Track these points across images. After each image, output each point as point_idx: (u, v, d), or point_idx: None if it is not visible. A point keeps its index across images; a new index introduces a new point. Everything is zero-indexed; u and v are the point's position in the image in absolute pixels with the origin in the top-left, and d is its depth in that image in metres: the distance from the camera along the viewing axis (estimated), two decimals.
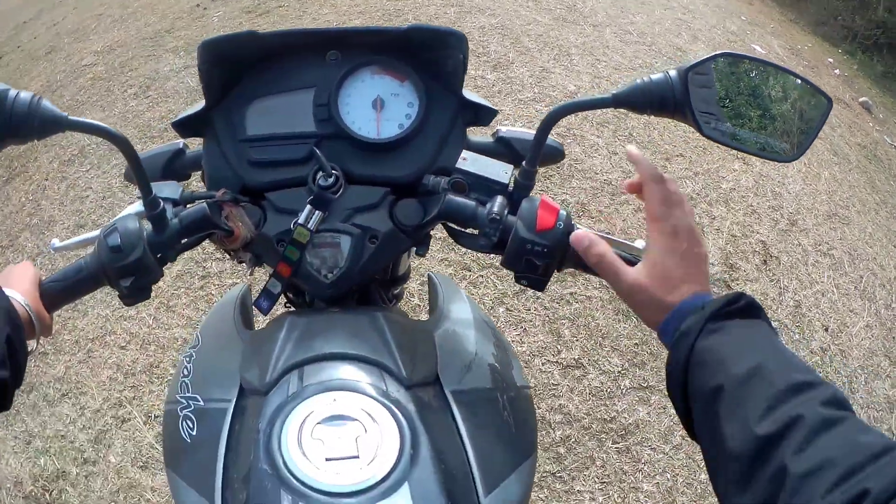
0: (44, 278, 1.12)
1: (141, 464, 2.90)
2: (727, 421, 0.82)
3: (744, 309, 0.93)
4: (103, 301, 3.61)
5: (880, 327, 4.13)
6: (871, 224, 5.03)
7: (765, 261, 4.13)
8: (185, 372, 1.18)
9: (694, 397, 0.90)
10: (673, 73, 1.07)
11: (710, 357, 0.88)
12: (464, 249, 3.58)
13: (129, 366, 3.29)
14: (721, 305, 0.93)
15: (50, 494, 2.84)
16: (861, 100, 7.48)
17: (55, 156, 4.87)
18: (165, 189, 1.19)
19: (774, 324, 3.74)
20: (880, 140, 6.71)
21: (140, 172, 1.08)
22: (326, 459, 0.88)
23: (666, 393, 0.97)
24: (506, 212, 1.12)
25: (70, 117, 1.00)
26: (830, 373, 3.66)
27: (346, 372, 1.00)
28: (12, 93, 0.97)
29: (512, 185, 1.19)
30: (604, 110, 4.73)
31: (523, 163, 1.18)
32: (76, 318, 3.58)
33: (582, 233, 1.06)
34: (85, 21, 7.49)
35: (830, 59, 8.50)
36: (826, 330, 3.90)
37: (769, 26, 8.38)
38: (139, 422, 3.04)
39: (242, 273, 3.59)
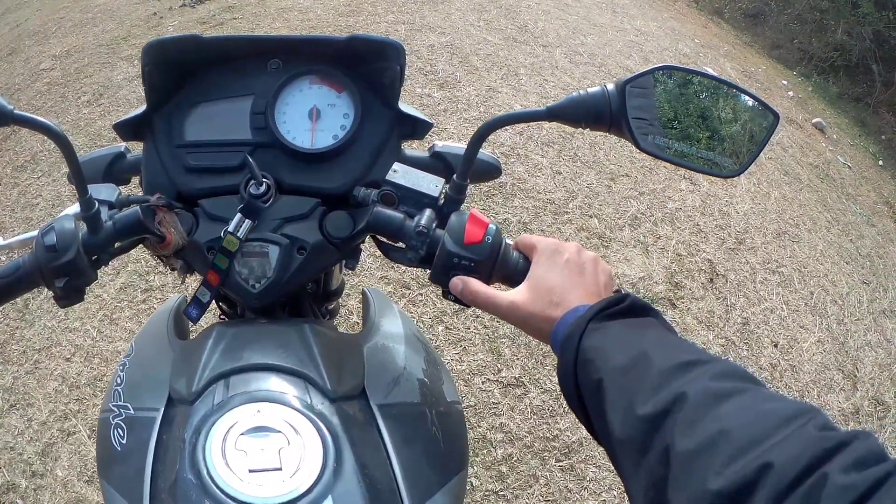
0: None
1: (87, 478, 2.86)
2: (612, 409, 0.81)
3: (629, 309, 0.94)
4: (49, 312, 3.57)
5: (832, 342, 4.17)
6: (822, 242, 5.09)
7: (711, 279, 4.16)
8: (119, 380, 1.17)
9: (585, 397, 0.89)
10: (610, 86, 1.08)
11: (593, 354, 0.87)
12: (403, 267, 3.56)
13: (74, 378, 3.25)
14: (603, 307, 0.93)
15: None
16: (814, 121, 7.58)
17: (8, 161, 4.82)
18: (103, 191, 1.18)
19: (721, 341, 3.79)
20: (833, 160, 6.80)
21: (77, 172, 1.07)
22: (250, 471, 0.88)
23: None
24: (434, 225, 1.12)
25: (16, 111, 1.00)
26: (781, 388, 3.69)
27: (272, 383, 1.00)
28: None
29: (443, 199, 1.19)
30: (549, 130, 4.78)
31: (454, 176, 1.18)
32: (23, 327, 3.54)
33: (455, 281, 1.07)
34: (46, 24, 7.43)
35: (784, 82, 8.61)
36: (775, 346, 3.93)
37: (723, 49, 8.47)
38: (84, 435, 3.01)
39: (185, 288, 3.57)
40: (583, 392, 0.89)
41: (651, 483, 0.71)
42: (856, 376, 4.02)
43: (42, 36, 7.07)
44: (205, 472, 0.87)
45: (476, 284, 1.06)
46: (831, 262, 4.93)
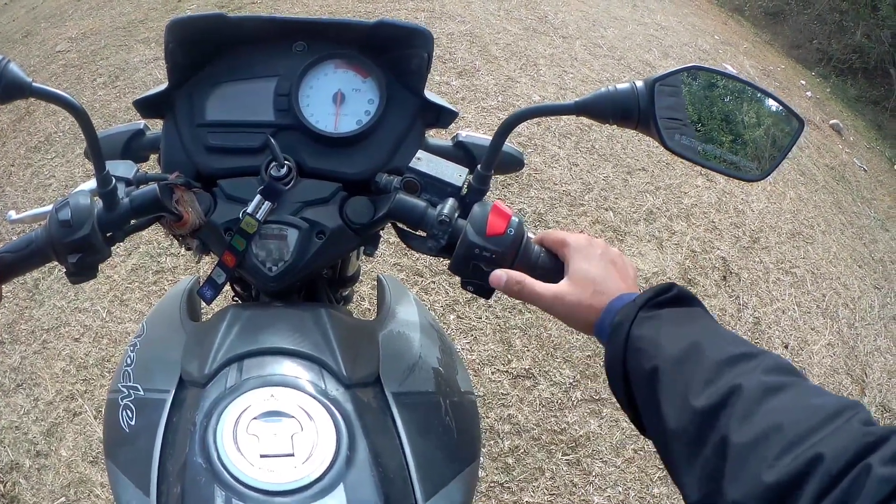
0: None
1: (91, 459, 2.86)
2: (666, 400, 0.82)
3: (676, 298, 0.95)
4: (59, 292, 3.57)
5: (842, 346, 4.16)
6: (836, 244, 5.07)
7: (724, 277, 4.14)
8: (128, 361, 1.16)
9: (634, 385, 0.90)
10: (640, 83, 1.07)
11: (644, 344, 0.89)
12: (417, 255, 3.55)
13: (82, 358, 3.25)
14: (652, 295, 0.94)
15: (4, 486, 2.81)
16: (832, 122, 7.55)
17: (22, 142, 4.81)
18: (120, 167, 1.17)
19: None
20: (849, 162, 6.77)
21: (95, 147, 1.06)
22: (261, 456, 0.87)
23: (616, 403, 0.98)
24: (456, 215, 1.11)
25: (34, 84, 0.99)
26: None
27: (286, 367, 0.99)
28: None
29: (466, 189, 1.17)
30: (567, 121, 4.76)
31: (478, 166, 1.17)
32: (33, 307, 3.53)
33: (498, 273, 1.06)
34: (63, 6, 7.42)
35: (803, 82, 8.58)
36: (786, 347, 3.92)
37: (742, 46, 8.44)
38: (90, 416, 3.01)
39: (197, 269, 3.57)
40: (631, 381, 0.91)
41: (707, 474, 0.73)
42: (864, 381, 4.01)
43: (58, 18, 7.05)
44: (215, 456, 0.86)
45: (520, 276, 1.05)
46: (844, 265, 4.91)
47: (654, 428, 0.85)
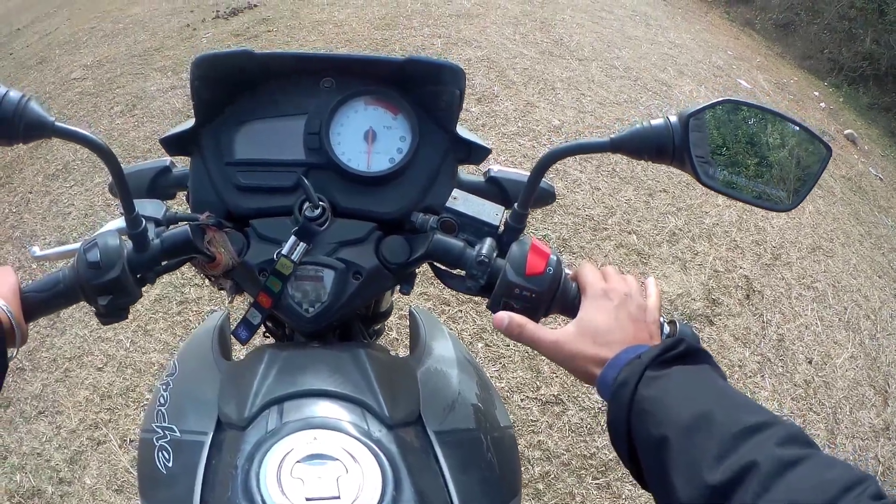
0: (23, 286, 1.07)
1: (116, 487, 2.85)
2: (676, 472, 0.79)
3: (684, 354, 0.92)
4: (81, 321, 3.57)
5: (865, 358, 4.14)
6: (856, 256, 5.06)
7: (748, 295, 4.13)
8: (162, 400, 1.14)
9: (640, 448, 0.87)
10: (673, 118, 1.05)
11: (652, 406, 0.86)
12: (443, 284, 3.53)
13: (105, 388, 3.25)
14: (659, 352, 0.91)
15: None
16: (846, 132, 7.55)
17: (40, 169, 4.83)
18: (149, 207, 1.16)
19: (756, 358, 3.76)
20: (865, 172, 6.76)
21: (123, 188, 1.05)
22: (307, 499, 0.85)
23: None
24: (494, 254, 1.10)
25: (56, 123, 0.98)
26: (814, 404, 3.67)
27: (327, 409, 0.98)
28: (1, 90, 0.95)
29: (502, 227, 1.16)
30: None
31: (515, 205, 1.15)
32: (54, 336, 3.53)
33: (501, 315, 1.04)
34: (77, 34, 7.46)
35: (816, 93, 8.58)
36: (810, 362, 3.90)
37: (755, 60, 8.45)
38: (115, 445, 3.00)
39: (221, 300, 3.56)
40: (637, 442, 0.88)
41: None
42: (887, 392, 4.00)
43: (73, 45, 7.09)
44: (259, 500, 0.85)
45: (521, 319, 1.04)
46: (864, 276, 4.90)
47: (662, 495, 0.83)
